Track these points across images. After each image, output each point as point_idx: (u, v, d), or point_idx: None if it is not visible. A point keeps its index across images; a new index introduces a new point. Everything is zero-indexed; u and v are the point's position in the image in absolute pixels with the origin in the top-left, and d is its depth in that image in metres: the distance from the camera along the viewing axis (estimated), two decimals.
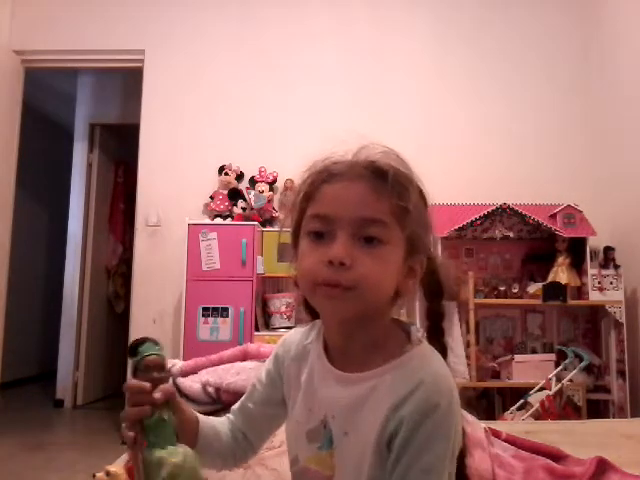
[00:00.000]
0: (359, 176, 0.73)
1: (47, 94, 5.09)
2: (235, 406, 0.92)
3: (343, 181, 0.73)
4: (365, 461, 0.70)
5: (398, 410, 0.69)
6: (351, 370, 0.76)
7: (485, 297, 3.28)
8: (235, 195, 3.58)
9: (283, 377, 0.86)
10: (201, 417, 0.85)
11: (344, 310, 0.73)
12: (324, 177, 0.75)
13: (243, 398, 0.91)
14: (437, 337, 0.80)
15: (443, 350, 0.79)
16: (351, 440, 0.73)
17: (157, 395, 0.73)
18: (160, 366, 0.76)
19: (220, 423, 0.89)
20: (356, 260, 0.71)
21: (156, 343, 0.79)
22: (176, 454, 0.72)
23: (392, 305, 0.78)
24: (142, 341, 0.78)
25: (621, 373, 3.13)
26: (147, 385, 0.73)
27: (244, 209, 3.55)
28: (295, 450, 0.81)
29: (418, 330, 0.80)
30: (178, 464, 0.70)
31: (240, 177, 3.66)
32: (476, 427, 1.28)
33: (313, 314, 0.86)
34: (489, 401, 3.28)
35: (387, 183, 0.72)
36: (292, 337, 0.88)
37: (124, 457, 1.33)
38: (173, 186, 3.69)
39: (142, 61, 3.84)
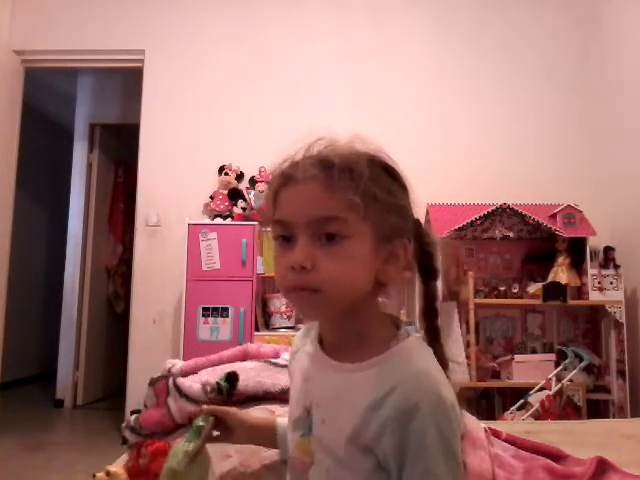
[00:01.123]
0: (310, 175, 0.72)
1: (47, 94, 5.09)
2: None
3: (297, 184, 0.73)
4: (339, 450, 0.70)
5: (376, 410, 0.68)
6: (343, 361, 0.75)
7: (485, 297, 3.27)
8: (235, 195, 3.59)
9: (289, 371, 0.89)
10: (284, 425, 0.90)
11: (316, 312, 0.75)
12: (281, 181, 0.75)
13: None
14: (430, 320, 0.79)
15: (435, 334, 0.78)
16: (327, 428, 0.73)
17: (203, 407, 0.89)
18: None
19: None
20: (318, 262, 0.70)
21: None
22: (175, 455, 0.80)
23: (376, 295, 0.76)
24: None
25: (621, 373, 3.13)
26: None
27: (244, 209, 3.55)
28: (289, 440, 0.82)
29: (416, 330, 0.79)
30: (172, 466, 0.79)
31: (240, 177, 3.66)
32: (476, 427, 1.27)
33: None
34: (489, 401, 3.27)
35: (334, 178, 0.70)
36: (299, 333, 0.91)
37: (124, 457, 1.33)
38: (173, 186, 3.69)
39: (142, 61, 3.84)
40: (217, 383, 0.96)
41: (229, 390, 0.95)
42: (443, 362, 0.74)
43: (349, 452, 0.69)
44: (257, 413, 1.17)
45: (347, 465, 0.69)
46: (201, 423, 0.84)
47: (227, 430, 0.89)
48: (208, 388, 1.00)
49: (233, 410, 0.90)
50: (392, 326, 0.77)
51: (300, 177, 0.72)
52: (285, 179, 0.74)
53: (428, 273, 0.79)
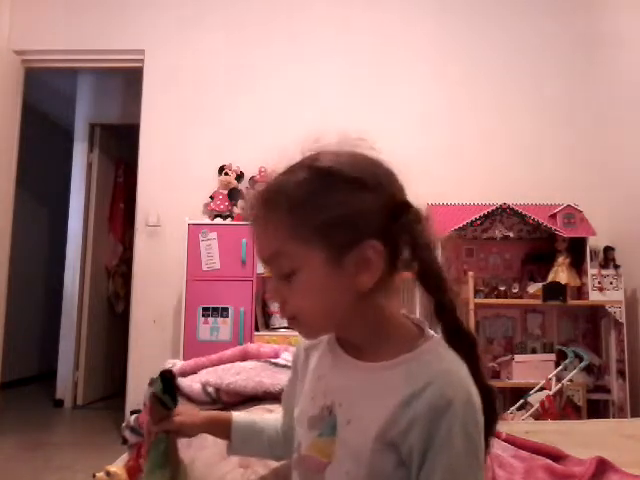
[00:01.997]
0: (253, 216, 0.73)
1: (47, 94, 5.09)
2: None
3: (251, 225, 0.74)
4: (365, 451, 0.67)
5: (408, 406, 0.65)
6: (365, 360, 0.73)
7: (485, 297, 3.27)
8: (235, 195, 3.59)
9: (297, 367, 0.87)
10: (240, 420, 0.91)
11: (307, 334, 0.78)
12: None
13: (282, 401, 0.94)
14: (451, 336, 0.71)
15: (468, 354, 0.70)
16: (353, 428, 0.70)
17: (154, 428, 0.87)
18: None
19: (267, 421, 0.95)
20: (285, 297, 0.72)
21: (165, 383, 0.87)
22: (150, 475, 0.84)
23: (373, 299, 0.71)
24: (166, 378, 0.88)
25: (621, 373, 3.13)
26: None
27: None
28: (298, 437, 0.80)
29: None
30: None
31: (240, 177, 3.66)
32: None
33: None
34: None
35: (270, 213, 0.70)
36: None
37: (124, 457, 1.33)
38: (173, 186, 3.69)
39: (142, 61, 3.84)
40: (155, 396, 0.86)
41: (173, 399, 0.87)
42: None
43: (373, 451, 0.67)
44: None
45: (369, 465, 0.67)
46: (163, 444, 0.84)
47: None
48: (148, 401, 0.90)
49: (182, 419, 0.87)
50: (412, 324, 0.75)
51: (250, 220, 0.74)
52: (246, 220, 0.77)
53: (430, 281, 0.71)
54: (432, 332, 0.74)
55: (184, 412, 0.89)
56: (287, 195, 0.69)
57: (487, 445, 0.68)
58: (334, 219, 0.67)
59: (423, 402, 0.65)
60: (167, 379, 0.86)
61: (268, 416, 1.00)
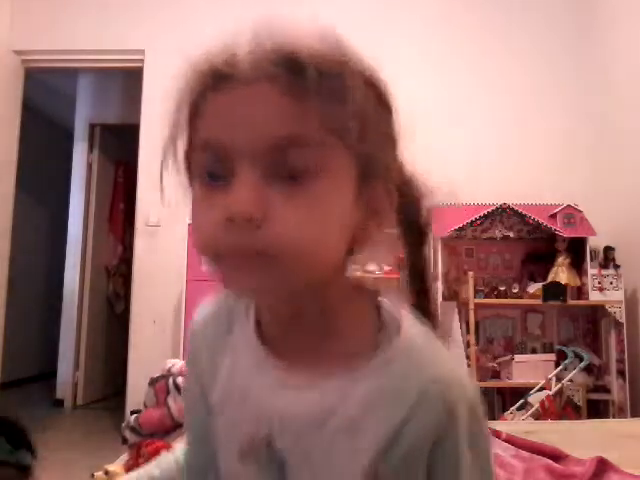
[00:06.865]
0: (264, 76, 0.47)
1: (47, 94, 5.09)
2: (183, 446, 0.71)
3: (239, 86, 0.48)
4: None
5: (400, 433, 0.48)
6: (299, 363, 0.52)
7: (485, 297, 3.27)
8: None
9: (200, 365, 0.60)
10: None
11: (265, 292, 0.49)
12: (210, 82, 0.50)
13: (186, 434, 0.66)
14: (420, 299, 0.57)
15: (428, 317, 0.55)
16: (318, 465, 0.50)
17: None
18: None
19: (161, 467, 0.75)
20: (272, 210, 0.45)
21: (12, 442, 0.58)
22: None
23: (347, 262, 0.54)
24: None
25: (621, 373, 3.12)
26: None
27: None
28: (230, 473, 0.57)
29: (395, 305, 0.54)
30: None
31: None
32: None
33: None
34: (489, 401, 3.27)
35: (309, 81, 0.46)
36: (202, 318, 0.64)
37: (124, 457, 1.33)
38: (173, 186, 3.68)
39: (142, 61, 3.83)
40: (7, 462, 0.61)
41: (31, 451, 0.60)
42: None
43: None
44: None
45: None
46: None
47: None
48: None
49: None
50: (368, 302, 0.55)
51: (246, 76, 0.48)
52: (217, 79, 0.49)
53: (414, 234, 0.58)
54: (394, 312, 0.54)
55: None
56: (355, 78, 0.49)
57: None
58: (381, 139, 0.51)
59: (418, 424, 0.48)
60: (15, 430, 0.60)
61: (164, 458, 0.79)
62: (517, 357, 3.21)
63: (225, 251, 0.47)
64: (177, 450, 0.79)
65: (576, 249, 3.26)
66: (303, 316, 0.52)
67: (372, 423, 0.49)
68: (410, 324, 0.52)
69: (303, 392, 0.51)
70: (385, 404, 0.48)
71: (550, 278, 3.24)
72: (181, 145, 0.56)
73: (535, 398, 2.89)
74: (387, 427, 0.48)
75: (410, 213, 0.58)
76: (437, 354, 0.52)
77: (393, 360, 0.50)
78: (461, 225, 3.23)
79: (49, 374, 4.82)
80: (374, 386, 0.49)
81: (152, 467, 0.84)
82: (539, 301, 3.20)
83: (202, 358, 0.59)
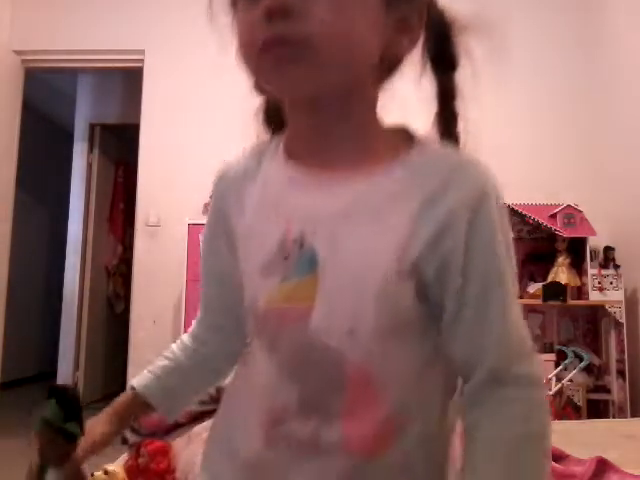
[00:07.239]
0: None
1: (47, 94, 5.09)
2: (195, 323, 0.79)
3: None
4: (370, 286, 0.52)
5: (433, 207, 0.52)
6: (340, 173, 0.56)
7: None
8: None
9: (225, 211, 0.64)
10: (143, 382, 0.75)
11: (302, 77, 0.52)
12: None
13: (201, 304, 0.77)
14: (448, 129, 0.62)
15: (456, 143, 0.62)
16: (346, 260, 0.54)
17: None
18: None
19: (174, 352, 0.77)
20: (307, 4, 0.49)
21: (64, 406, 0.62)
22: None
23: (379, 81, 0.60)
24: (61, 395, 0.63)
25: (621, 373, 3.12)
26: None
27: None
28: (252, 295, 0.60)
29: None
30: None
31: None
32: None
33: (275, 126, 0.68)
34: None
35: None
36: (227, 165, 0.68)
37: (124, 457, 1.33)
38: (173, 186, 3.69)
39: (142, 61, 3.83)
40: (52, 427, 0.60)
41: (79, 423, 0.63)
42: None
43: (384, 284, 0.52)
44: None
45: (378, 302, 0.53)
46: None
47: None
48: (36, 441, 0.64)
49: (92, 440, 0.69)
50: (398, 129, 0.61)
51: None
52: None
53: (444, 61, 0.61)
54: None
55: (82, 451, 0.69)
56: None
57: None
58: None
59: (454, 194, 0.52)
60: (66, 399, 0.62)
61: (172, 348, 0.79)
62: None
63: (265, 44, 0.50)
64: (173, 345, 0.78)
65: (576, 249, 3.26)
66: (331, 136, 0.56)
67: (405, 199, 0.53)
68: (437, 142, 0.59)
69: (337, 191, 0.55)
70: (415, 184, 0.53)
71: (550, 278, 3.24)
72: None
73: None
74: (418, 201, 0.52)
75: (440, 40, 0.59)
76: (464, 154, 0.58)
77: (421, 153, 0.56)
78: None
79: (49, 374, 4.82)
80: (405, 173, 0.54)
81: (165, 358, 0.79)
82: (539, 301, 3.20)
83: (229, 196, 0.64)
